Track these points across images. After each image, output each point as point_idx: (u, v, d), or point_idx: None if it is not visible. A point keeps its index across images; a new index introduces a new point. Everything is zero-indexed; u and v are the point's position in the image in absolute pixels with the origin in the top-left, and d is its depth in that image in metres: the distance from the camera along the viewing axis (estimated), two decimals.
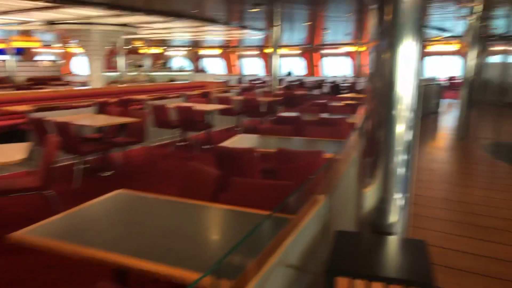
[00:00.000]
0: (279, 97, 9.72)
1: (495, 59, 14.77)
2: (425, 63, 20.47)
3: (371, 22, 1.77)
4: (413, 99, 1.70)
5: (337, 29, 16.55)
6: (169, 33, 18.49)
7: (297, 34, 19.97)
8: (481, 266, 2.93)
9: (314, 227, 1.82)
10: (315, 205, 1.86)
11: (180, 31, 17.94)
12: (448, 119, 11.01)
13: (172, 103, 7.65)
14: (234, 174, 3.44)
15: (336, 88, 15.13)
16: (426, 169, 5.71)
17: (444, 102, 13.44)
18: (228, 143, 4.07)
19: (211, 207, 2.26)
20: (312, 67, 23.70)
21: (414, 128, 1.75)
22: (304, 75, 22.42)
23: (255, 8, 10.00)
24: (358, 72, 13.10)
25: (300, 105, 8.45)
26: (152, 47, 24.87)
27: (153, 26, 13.88)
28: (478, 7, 7.26)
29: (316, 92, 15.60)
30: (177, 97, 9.25)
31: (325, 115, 6.31)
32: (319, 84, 17.13)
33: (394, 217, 1.80)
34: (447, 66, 20.02)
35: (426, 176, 5.32)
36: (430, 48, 20.00)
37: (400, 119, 1.70)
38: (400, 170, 1.76)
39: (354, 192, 1.96)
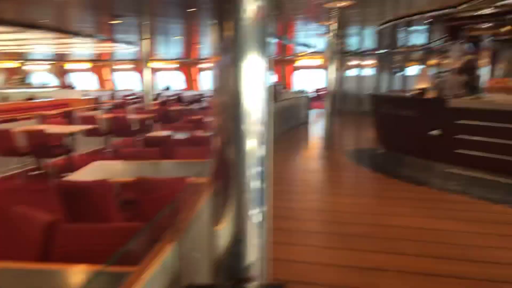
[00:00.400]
0: (153, 114, 9.17)
1: (351, 72, 16.61)
2: (294, 76, 22.05)
3: (213, 37, 1.60)
4: (263, 112, 1.58)
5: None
6: (24, 45, 16.28)
7: (174, 47, 19.56)
8: (350, 278, 2.96)
9: (159, 282, 1.50)
10: (161, 253, 1.54)
11: (38, 43, 15.94)
12: (317, 128, 11.85)
13: (22, 126, 6.52)
14: (84, 214, 2.92)
15: None
16: (297, 180, 5.89)
17: (313, 113, 14.53)
18: (81, 174, 3.49)
19: (36, 269, 1.76)
20: (190, 81, 23.47)
21: (267, 142, 1.62)
22: (183, 89, 22.04)
23: (117, 20, 9.33)
24: None
25: (176, 121, 8.06)
26: (5, 61, 21.61)
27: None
28: (334, 26, 7.94)
29: (195, 106, 15.38)
30: (29, 118, 7.99)
31: (199, 133, 6.06)
32: (198, 98, 16.93)
33: (252, 256, 1.59)
34: (315, 79, 21.87)
35: (297, 187, 5.46)
36: (298, 63, 21.63)
37: (251, 134, 1.55)
38: (255, 191, 1.58)
39: (209, 229, 1.71)
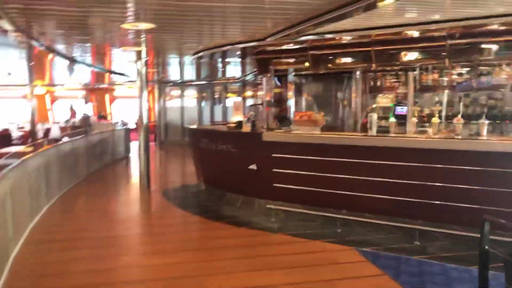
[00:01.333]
0: None
1: (175, 103, 16.15)
2: (114, 106, 20.30)
3: None
4: None
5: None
6: None
7: None
8: None
9: None
10: None
11: None
12: (137, 164, 10.72)
13: None
14: None
15: (6, 138, 12.23)
16: (104, 238, 4.71)
17: (134, 145, 13.32)
18: None
19: None
20: None
21: None
22: None
23: None
24: (33, 118, 10.45)
25: None
26: None
27: None
28: (144, 53, 7.19)
29: None
30: None
31: None
32: None
33: None
34: (134, 109, 20.62)
35: (102, 250, 4.30)
36: (117, 92, 20.09)
37: None
38: None
39: None
